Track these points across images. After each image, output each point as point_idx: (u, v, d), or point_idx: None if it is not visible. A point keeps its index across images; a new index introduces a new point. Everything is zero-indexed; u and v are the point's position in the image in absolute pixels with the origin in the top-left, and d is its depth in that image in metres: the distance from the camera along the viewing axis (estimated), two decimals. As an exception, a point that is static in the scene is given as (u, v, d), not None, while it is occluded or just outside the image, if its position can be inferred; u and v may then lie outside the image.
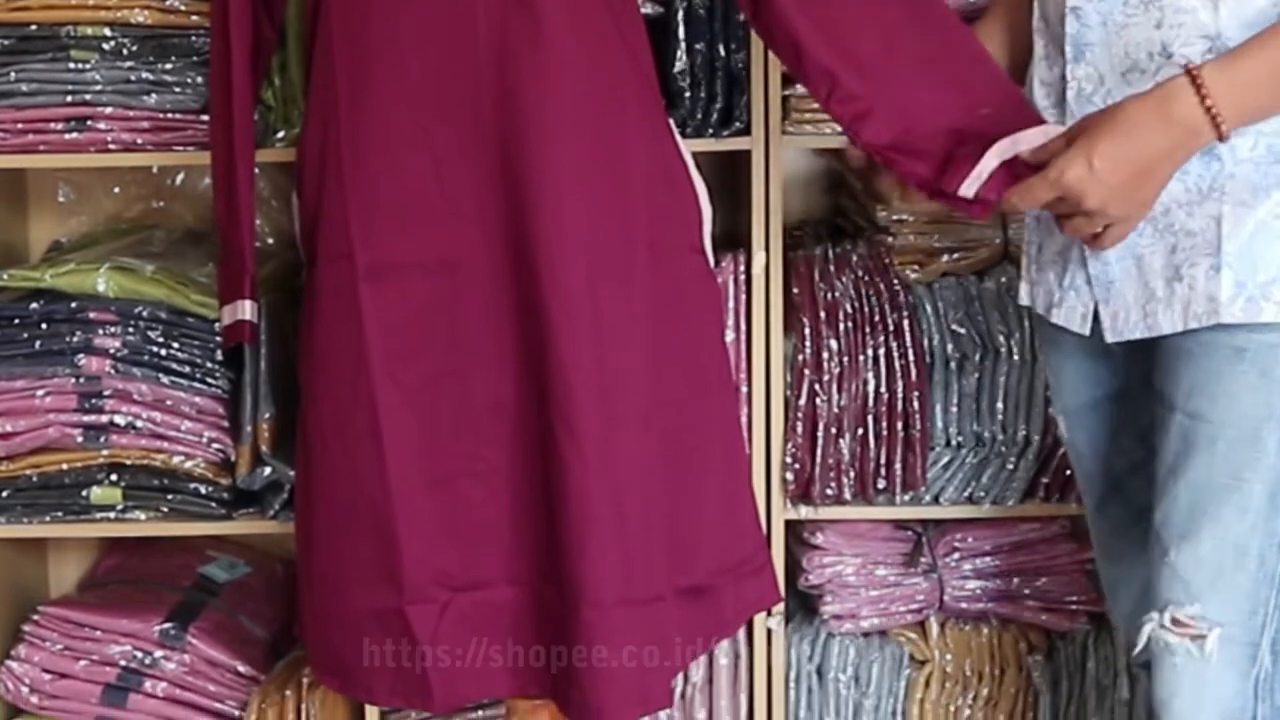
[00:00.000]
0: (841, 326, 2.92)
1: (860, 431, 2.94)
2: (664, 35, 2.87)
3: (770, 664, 3.04)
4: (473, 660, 2.49)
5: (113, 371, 2.87)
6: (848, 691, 3.08)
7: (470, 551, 2.46)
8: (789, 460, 2.95)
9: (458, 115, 2.38)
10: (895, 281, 2.94)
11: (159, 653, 2.96)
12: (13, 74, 2.87)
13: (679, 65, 2.88)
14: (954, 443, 2.95)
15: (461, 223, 2.39)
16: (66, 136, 2.89)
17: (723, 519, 2.58)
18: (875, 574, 3.06)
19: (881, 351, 2.92)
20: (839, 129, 2.79)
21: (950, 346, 2.93)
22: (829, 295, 2.94)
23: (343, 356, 2.43)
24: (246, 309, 2.60)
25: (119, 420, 2.89)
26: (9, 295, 2.93)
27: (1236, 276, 2.03)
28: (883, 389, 2.93)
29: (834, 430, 2.94)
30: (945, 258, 2.97)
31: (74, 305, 2.87)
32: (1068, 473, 2.87)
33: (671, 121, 2.58)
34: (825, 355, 2.92)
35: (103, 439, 2.90)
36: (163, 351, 2.88)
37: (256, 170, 2.63)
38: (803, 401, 2.93)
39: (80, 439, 2.90)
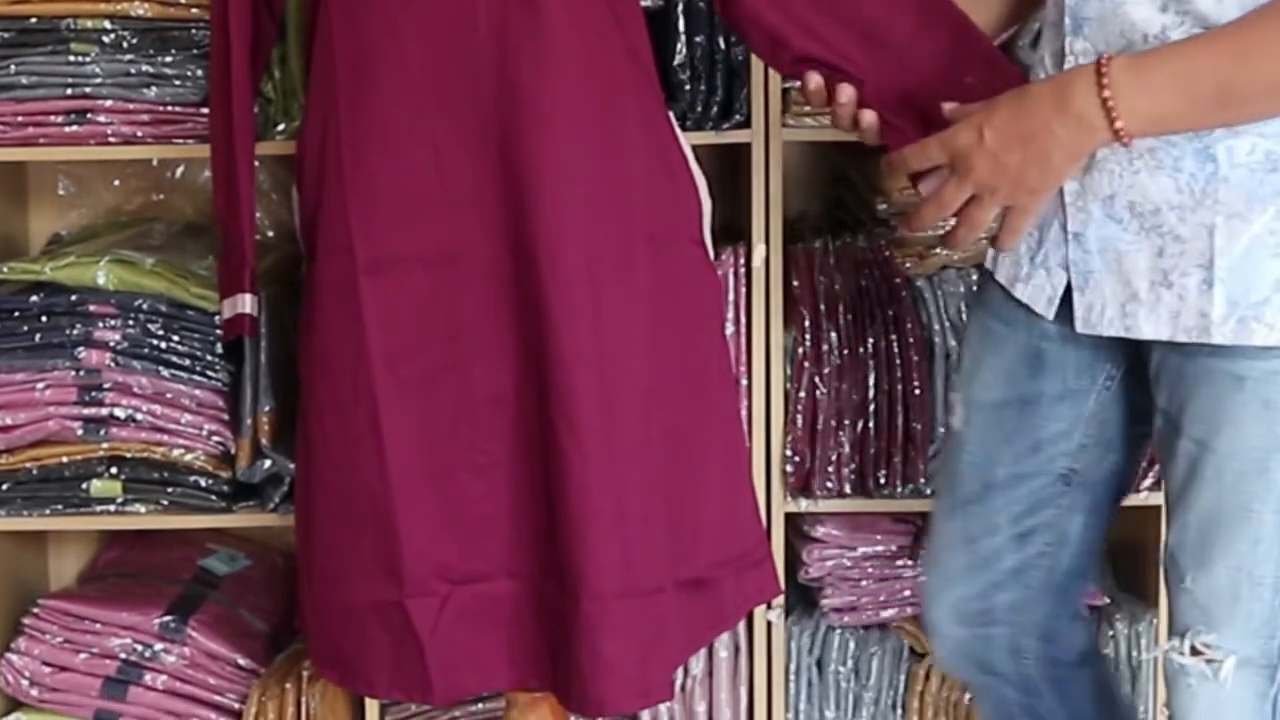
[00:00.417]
0: (841, 319, 2.92)
1: (860, 424, 2.94)
2: (664, 28, 2.86)
3: (770, 657, 3.04)
4: (473, 653, 2.49)
5: (113, 364, 2.87)
6: (848, 684, 3.08)
7: (470, 544, 2.46)
8: (789, 453, 2.95)
9: (458, 108, 2.38)
10: (895, 274, 2.94)
11: (159, 646, 2.96)
12: (13, 67, 2.87)
13: (679, 58, 2.87)
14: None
15: (461, 215, 2.39)
16: (66, 129, 2.89)
17: (723, 512, 2.58)
18: (875, 567, 3.06)
19: (881, 344, 2.92)
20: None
21: (950, 339, 2.93)
22: (829, 288, 2.94)
23: (343, 350, 2.44)
24: (247, 302, 2.60)
25: (119, 413, 2.89)
26: (9, 288, 2.93)
27: (1229, 294, 1.96)
28: (883, 382, 2.93)
29: (834, 423, 2.94)
30: (945, 250, 2.96)
31: (74, 298, 2.87)
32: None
33: (671, 114, 2.58)
34: (825, 348, 2.92)
35: (103, 432, 2.90)
36: (163, 344, 2.87)
37: (256, 163, 2.63)
38: (802, 394, 2.93)
39: (80, 432, 2.90)
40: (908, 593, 3.06)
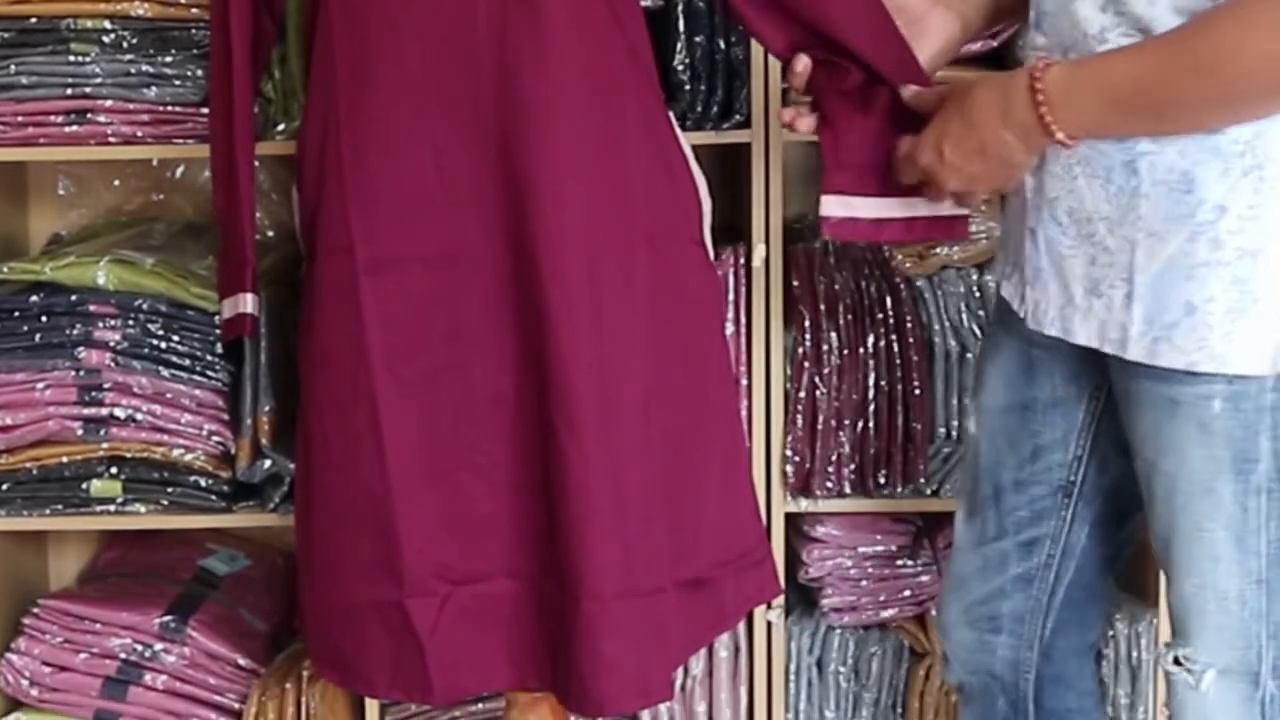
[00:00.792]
0: (841, 319, 2.92)
1: (860, 424, 2.94)
2: (664, 28, 2.87)
3: (770, 657, 3.04)
4: (473, 653, 2.49)
5: (113, 364, 2.87)
6: (847, 684, 3.08)
7: (470, 544, 2.46)
8: (789, 453, 2.95)
9: (458, 107, 2.38)
10: (895, 274, 2.94)
11: (159, 645, 2.96)
12: (13, 67, 2.87)
13: (679, 58, 2.87)
14: (954, 435, 2.95)
15: (461, 215, 2.39)
16: (66, 129, 2.89)
17: (723, 511, 2.58)
18: (875, 567, 3.06)
19: (881, 344, 2.92)
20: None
21: (950, 339, 2.93)
22: (829, 288, 2.94)
23: (343, 350, 2.43)
24: (248, 302, 2.60)
25: (119, 413, 2.89)
26: (9, 288, 2.93)
27: (1146, 312, 1.97)
28: (883, 382, 2.93)
29: (834, 423, 2.94)
30: (945, 250, 2.96)
31: (74, 298, 2.87)
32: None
33: (671, 114, 2.58)
34: (825, 348, 2.92)
35: (103, 432, 2.89)
36: (163, 344, 2.87)
37: (256, 163, 2.63)
38: (802, 394, 2.93)
39: (80, 432, 2.90)
40: (908, 593, 3.06)
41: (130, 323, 2.87)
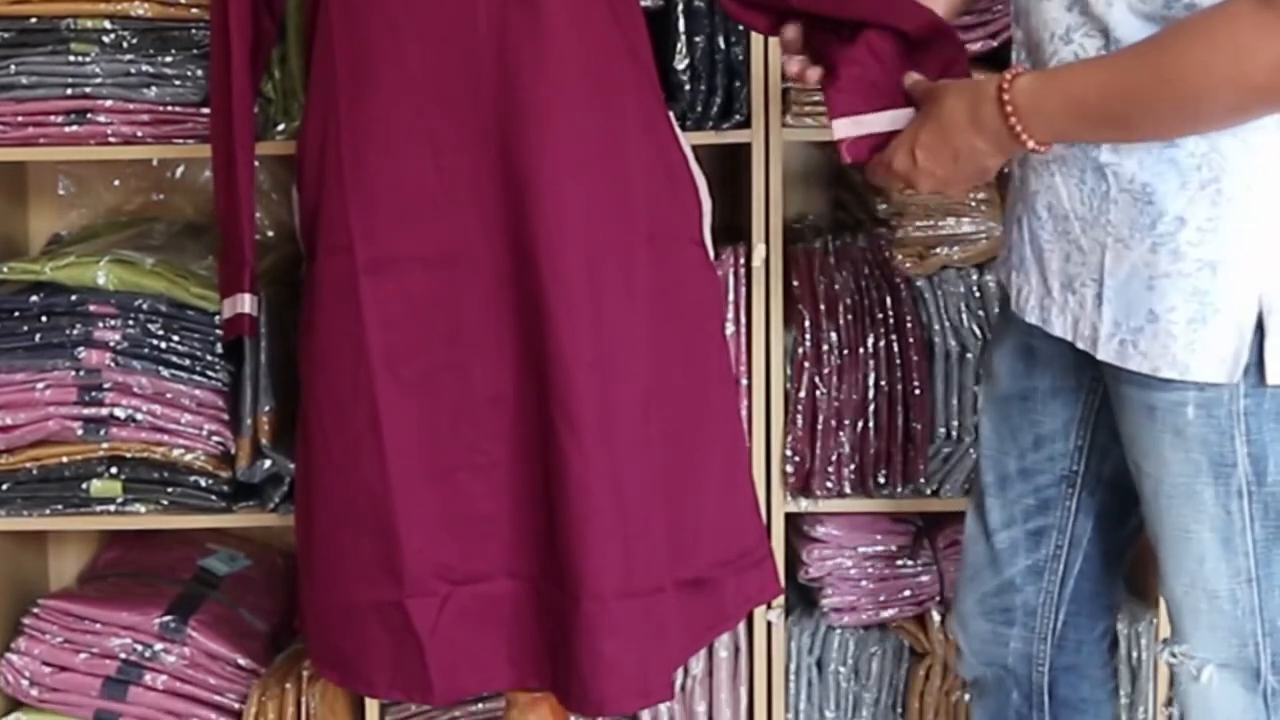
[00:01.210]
0: (841, 319, 2.92)
1: (860, 424, 2.94)
2: (664, 28, 2.87)
3: (770, 657, 3.04)
4: (473, 653, 2.49)
5: (113, 364, 2.87)
6: (848, 684, 3.08)
7: (470, 544, 2.46)
8: (789, 453, 2.95)
9: (457, 107, 2.38)
10: (895, 274, 2.94)
11: (159, 645, 2.96)
12: (13, 67, 2.87)
13: (679, 58, 2.87)
14: (954, 435, 2.95)
15: (461, 215, 2.40)
16: (66, 129, 2.89)
17: (723, 511, 2.58)
18: (875, 567, 3.06)
19: (882, 344, 2.92)
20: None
21: (950, 339, 2.93)
22: (829, 288, 2.94)
23: (343, 350, 2.44)
24: (246, 302, 2.60)
25: (119, 413, 2.89)
26: (9, 288, 2.93)
27: (1115, 315, 2.00)
28: (883, 381, 2.93)
29: (834, 423, 2.94)
30: (945, 250, 2.96)
31: (74, 298, 2.87)
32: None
33: (671, 114, 2.58)
34: (825, 348, 2.92)
35: (103, 432, 2.89)
36: (163, 344, 2.87)
37: (256, 163, 2.63)
38: (803, 394, 2.93)
39: (80, 432, 2.90)
40: (908, 593, 3.06)
41: (130, 323, 2.87)
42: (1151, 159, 1.93)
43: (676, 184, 2.54)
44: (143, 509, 2.94)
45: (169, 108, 2.88)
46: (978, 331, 2.93)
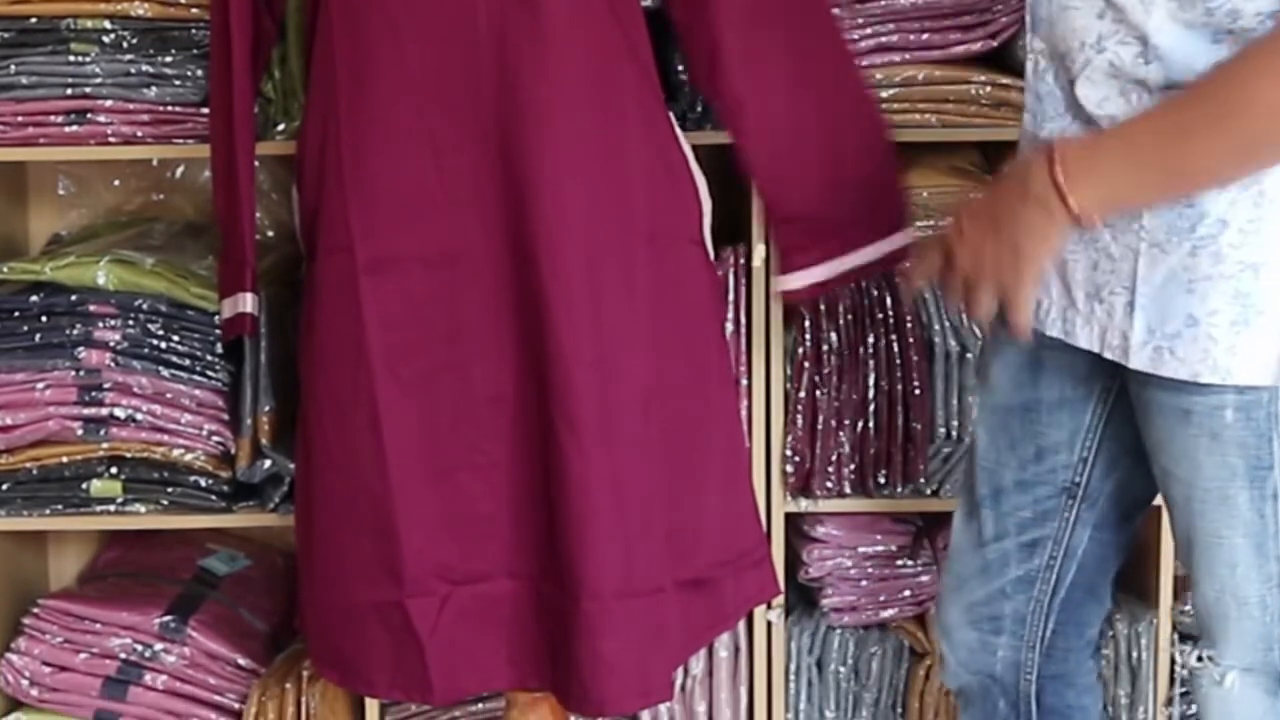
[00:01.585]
0: (841, 319, 2.92)
1: (860, 424, 2.94)
2: (664, 28, 2.86)
3: (770, 657, 3.04)
4: (472, 653, 2.50)
5: (113, 364, 2.87)
6: (847, 684, 3.08)
7: (470, 544, 2.47)
8: (789, 453, 2.95)
9: (457, 107, 2.38)
10: (895, 274, 2.94)
11: (159, 646, 2.96)
12: (13, 67, 2.86)
13: (679, 58, 2.87)
14: (954, 435, 2.95)
15: (461, 215, 2.40)
16: (66, 129, 2.88)
17: (723, 511, 2.58)
18: (875, 567, 3.05)
19: (881, 344, 2.92)
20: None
21: (950, 339, 2.93)
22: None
23: (343, 350, 2.44)
24: (248, 301, 2.61)
25: (119, 413, 2.88)
26: (9, 288, 2.93)
27: (1148, 322, 1.97)
28: (883, 381, 2.93)
29: (834, 423, 2.93)
30: (945, 251, 2.96)
31: (74, 298, 2.87)
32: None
33: (671, 114, 2.58)
34: (825, 348, 2.92)
35: (103, 432, 2.89)
36: (163, 344, 2.87)
37: (256, 163, 2.62)
38: (802, 394, 2.93)
39: (80, 432, 2.90)
40: (908, 593, 3.06)
41: (130, 323, 2.87)
42: None
43: (676, 183, 2.54)
44: (143, 509, 2.94)
45: (169, 108, 2.88)
46: (978, 331, 2.93)
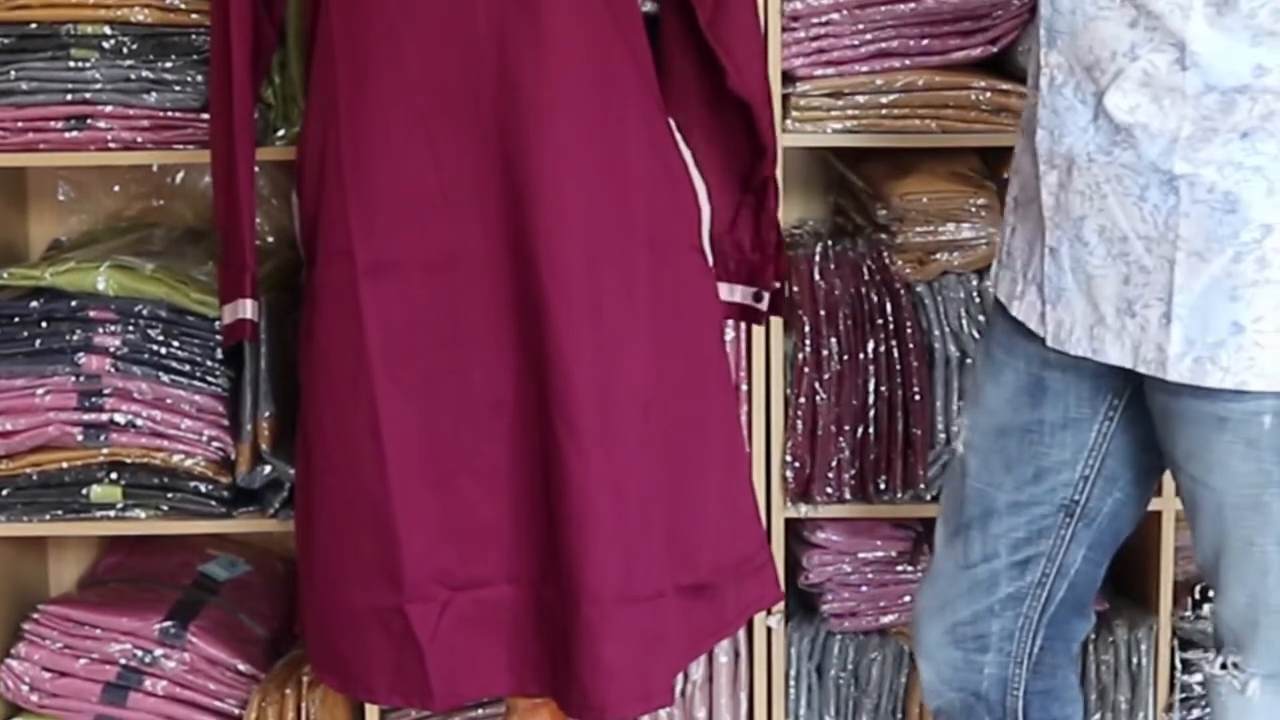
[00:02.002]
0: (841, 325, 2.92)
1: (860, 430, 2.94)
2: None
3: (770, 662, 3.04)
4: (473, 658, 2.49)
5: (113, 370, 2.87)
6: (847, 690, 3.08)
7: (470, 549, 2.46)
8: (789, 459, 2.95)
9: (458, 112, 2.38)
10: (895, 280, 2.94)
11: (159, 651, 2.96)
12: (13, 72, 2.86)
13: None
14: (954, 441, 2.94)
15: (461, 219, 2.40)
16: (66, 135, 2.88)
17: (723, 516, 2.58)
18: (875, 572, 3.05)
19: (881, 350, 2.92)
20: (840, 128, 2.82)
21: (950, 345, 2.93)
22: (829, 294, 2.94)
23: (343, 354, 2.44)
24: (248, 307, 2.60)
25: (119, 419, 2.88)
26: (9, 294, 2.93)
27: (1187, 332, 1.95)
28: (883, 387, 2.93)
29: (834, 429, 2.93)
30: (945, 256, 2.96)
31: (74, 304, 2.87)
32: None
33: (671, 119, 2.58)
34: (825, 354, 2.92)
35: (103, 437, 2.89)
36: (163, 350, 2.87)
37: (256, 169, 2.62)
38: (803, 400, 2.93)
39: (80, 437, 2.90)
40: (908, 598, 3.05)
41: (130, 328, 2.87)
42: (1233, 167, 1.89)
43: (676, 188, 2.54)
44: (143, 514, 2.94)
45: (169, 113, 2.88)
46: (978, 337, 2.93)
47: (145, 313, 2.87)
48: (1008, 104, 2.87)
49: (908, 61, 2.90)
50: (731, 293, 2.68)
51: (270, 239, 3.23)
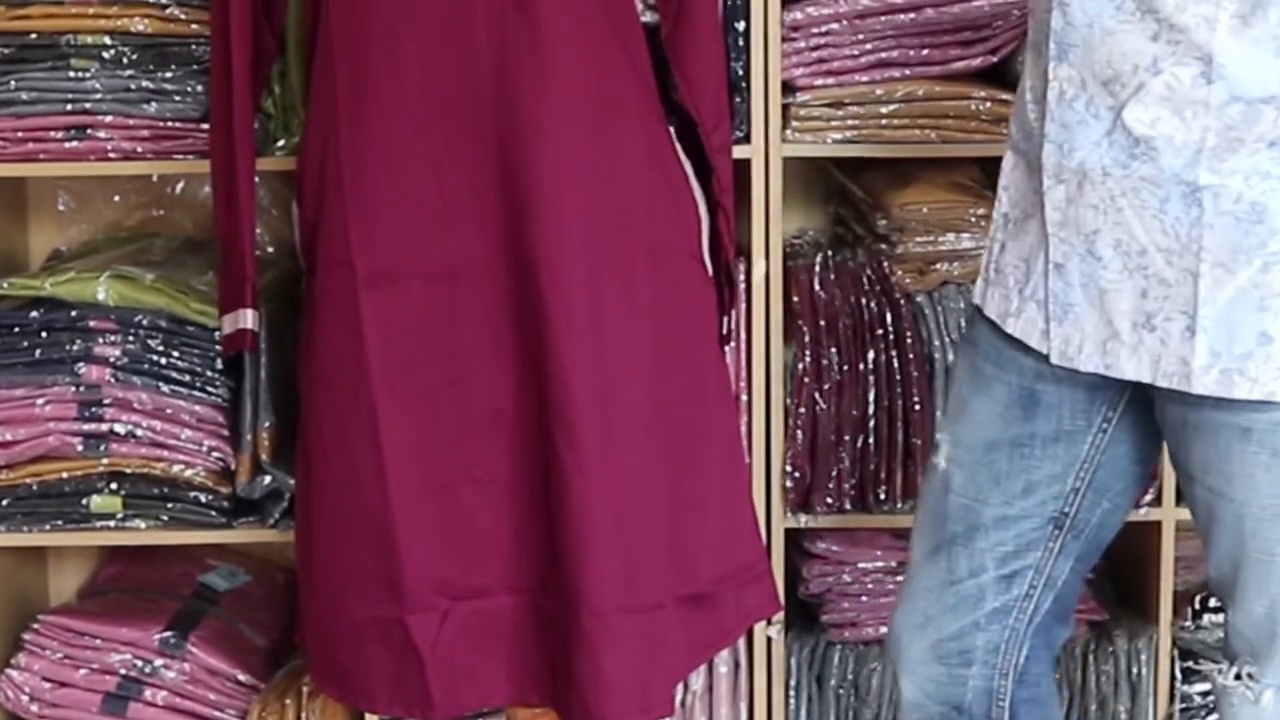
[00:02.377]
0: (841, 335, 2.92)
1: (860, 440, 2.94)
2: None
3: (770, 672, 3.04)
4: (473, 669, 2.50)
5: (113, 380, 2.87)
6: (847, 700, 3.08)
7: (470, 560, 2.46)
8: (789, 469, 2.94)
9: (457, 123, 2.38)
10: (895, 290, 2.94)
11: (159, 661, 2.96)
12: (13, 83, 2.86)
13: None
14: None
15: (461, 231, 2.40)
16: (66, 145, 2.88)
17: (723, 527, 2.58)
18: (875, 582, 3.05)
19: (881, 360, 2.92)
20: (840, 138, 2.82)
21: (950, 355, 2.93)
22: (829, 304, 2.94)
23: (343, 365, 2.44)
24: (248, 317, 2.61)
25: (119, 429, 2.88)
26: (9, 304, 2.93)
27: (1212, 345, 1.92)
28: (883, 398, 2.93)
29: (834, 439, 2.93)
30: (945, 266, 2.96)
31: (74, 314, 2.87)
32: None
33: (671, 130, 2.58)
34: (825, 364, 2.92)
35: (103, 447, 2.89)
36: (163, 360, 2.87)
37: (256, 179, 2.63)
38: (803, 410, 2.93)
39: (80, 447, 2.90)
40: (908, 608, 3.05)
41: (130, 338, 2.87)
42: (1259, 176, 1.88)
43: (677, 199, 2.54)
44: (143, 525, 2.94)
45: (169, 123, 2.88)
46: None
47: (145, 323, 2.87)
48: (1008, 114, 2.85)
49: (908, 71, 2.90)
50: None
51: (270, 249, 3.23)
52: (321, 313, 2.47)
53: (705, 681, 3.06)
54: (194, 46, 2.87)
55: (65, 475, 2.92)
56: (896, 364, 2.91)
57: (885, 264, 2.98)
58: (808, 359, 2.92)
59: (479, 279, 2.41)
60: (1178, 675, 3.04)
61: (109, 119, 2.88)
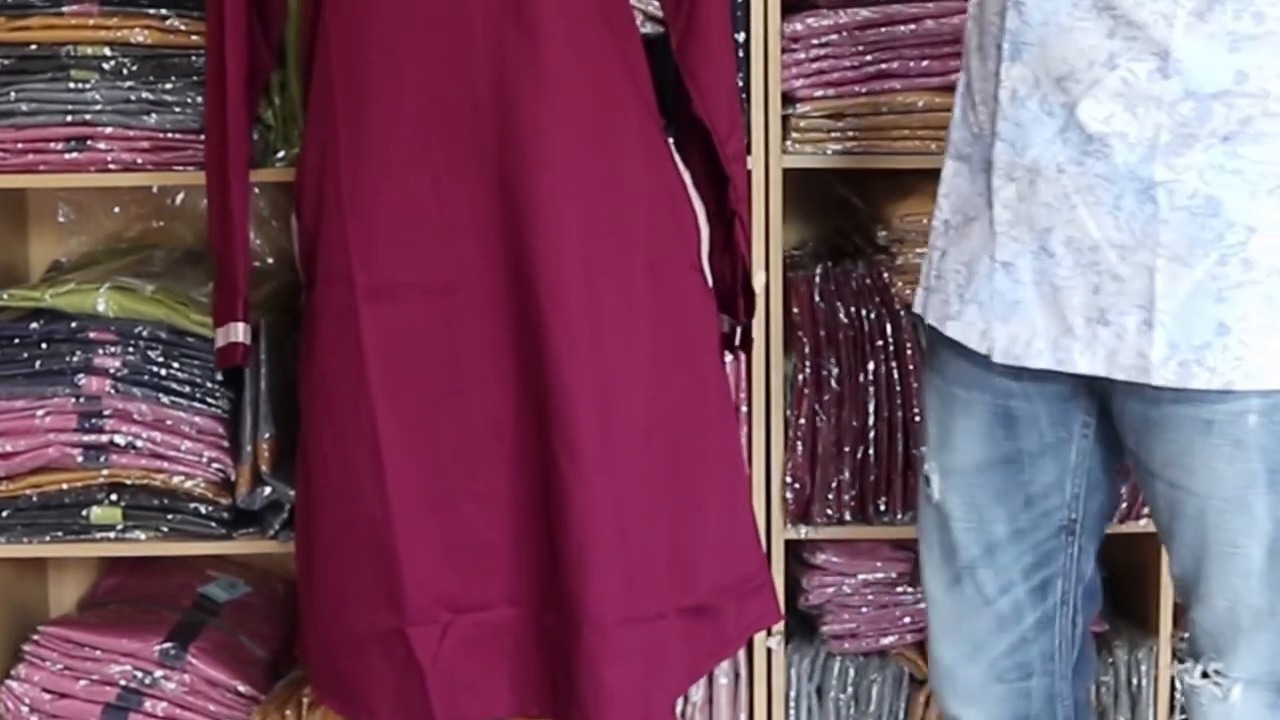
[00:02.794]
0: (841, 346, 2.92)
1: (860, 451, 2.94)
2: (663, 55, 2.86)
3: (770, 683, 3.04)
4: (474, 681, 2.49)
5: (113, 391, 2.87)
6: (847, 711, 3.08)
7: (471, 572, 2.46)
8: (789, 480, 2.95)
9: (456, 135, 2.38)
10: (895, 301, 2.94)
11: (159, 672, 2.96)
12: (13, 94, 2.86)
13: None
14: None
15: (460, 243, 2.40)
16: (66, 156, 2.88)
17: (723, 537, 2.58)
18: (875, 594, 3.05)
19: (881, 371, 2.92)
20: (840, 149, 2.82)
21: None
22: (829, 315, 2.94)
23: (343, 378, 2.44)
24: (239, 331, 2.61)
25: (119, 440, 2.88)
26: (9, 315, 2.93)
27: (1170, 337, 1.94)
28: (883, 409, 2.93)
29: (834, 450, 2.93)
30: (945, 277, 2.96)
31: (74, 325, 2.87)
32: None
33: (670, 140, 2.58)
34: (825, 375, 2.92)
35: (103, 459, 2.89)
36: (163, 371, 2.87)
37: (256, 190, 2.63)
38: (803, 421, 2.93)
39: (80, 459, 2.90)
40: (908, 620, 3.05)
41: (130, 349, 2.87)
42: (1214, 171, 1.90)
43: (676, 209, 2.54)
44: (143, 536, 2.94)
45: (169, 134, 2.88)
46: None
47: (145, 334, 2.87)
48: (1007, 125, 2.87)
49: (908, 83, 2.90)
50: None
51: (270, 260, 3.23)
52: (321, 325, 2.47)
53: (705, 692, 3.06)
54: (194, 58, 2.87)
55: (65, 486, 2.92)
56: (896, 375, 2.91)
57: (885, 275, 2.98)
58: (808, 370, 2.92)
59: (478, 291, 2.41)
60: (1177, 686, 3.04)
61: (109, 130, 2.88)
